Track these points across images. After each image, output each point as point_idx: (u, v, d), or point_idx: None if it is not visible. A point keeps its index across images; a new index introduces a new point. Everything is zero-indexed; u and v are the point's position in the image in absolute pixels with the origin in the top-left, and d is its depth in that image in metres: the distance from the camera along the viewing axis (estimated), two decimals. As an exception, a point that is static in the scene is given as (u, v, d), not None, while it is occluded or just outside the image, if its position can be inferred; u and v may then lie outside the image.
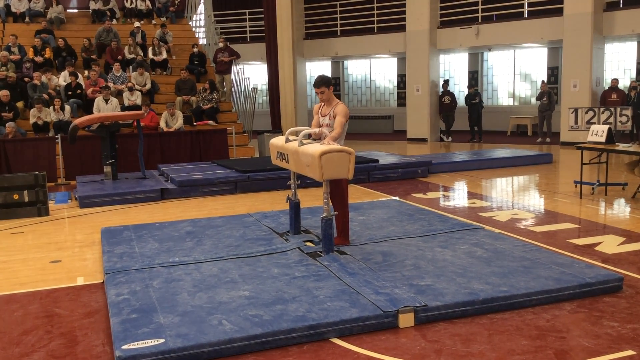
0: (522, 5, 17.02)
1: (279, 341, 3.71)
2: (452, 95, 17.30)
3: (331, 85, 5.64)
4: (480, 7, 17.13)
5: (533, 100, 18.12)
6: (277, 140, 5.98)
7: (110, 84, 13.64)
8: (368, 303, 4.08)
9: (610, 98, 14.32)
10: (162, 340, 3.59)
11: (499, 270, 4.73)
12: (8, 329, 4.14)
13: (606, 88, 15.10)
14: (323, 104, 5.71)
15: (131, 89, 13.57)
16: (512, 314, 4.11)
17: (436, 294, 4.24)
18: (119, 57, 14.87)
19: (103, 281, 5.01)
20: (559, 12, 15.23)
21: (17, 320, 4.32)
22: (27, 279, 5.34)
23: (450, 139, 17.16)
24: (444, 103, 17.16)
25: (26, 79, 13.49)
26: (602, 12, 14.76)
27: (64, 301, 4.69)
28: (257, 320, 3.85)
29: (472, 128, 17.04)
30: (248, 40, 21.40)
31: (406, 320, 3.95)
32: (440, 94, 17.43)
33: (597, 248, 5.74)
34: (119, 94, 13.58)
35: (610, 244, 5.86)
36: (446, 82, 17.57)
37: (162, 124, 12.79)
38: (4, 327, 4.18)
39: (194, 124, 13.49)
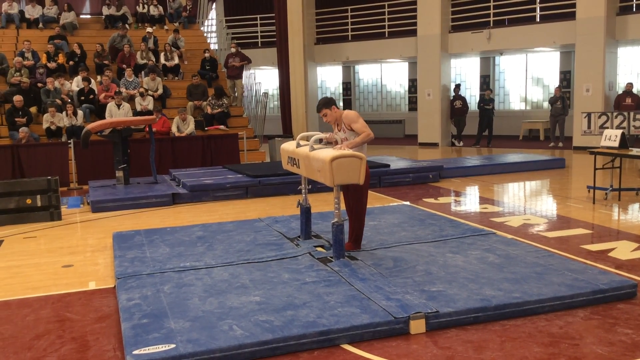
0: (534, 10, 16.94)
1: (289, 347, 3.70)
2: (463, 99, 17.23)
3: (333, 104, 5.53)
4: (491, 11, 17.08)
5: (545, 104, 18.02)
6: (288, 145, 5.98)
7: (123, 89, 13.73)
8: (379, 309, 4.06)
9: (624, 102, 14.20)
10: (173, 346, 3.59)
11: (511, 276, 4.70)
12: (20, 334, 4.16)
13: (620, 92, 14.99)
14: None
15: (143, 95, 13.65)
16: (525, 321, 4.07)
17: (448, 300, 4.21)
18: (131, 62, 14.95)
19: (114, 286, 5.02)
20: (571, 16, 15.15)
21: (29, 324, 4.34)
22: (39, 284, 5.37)
23: (461, 143, 17.08)
24: (456, 107, 17.10)
25: (39, 85, 13.60)
26: (614, 16, 14.66)
27: (75, 306, 4.71)
28: (268, 326, 3.84)
29: (480, 132, 16.94)
30: (259, 45, 21.49)
31: (417, 326, 3.92)
32: (452, 98, 17.38)
33: (610, 254, 5.68)
34: (131, 99, 13.66)
35: (623, 250, 5.80)
36: (457, 86, 17.50)
37: (174, 129, 12.84)
38: (16, 332, 4.20)
39: (205, 128, 13.54)
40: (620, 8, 14.89)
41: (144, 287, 4.73)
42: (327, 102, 5.52)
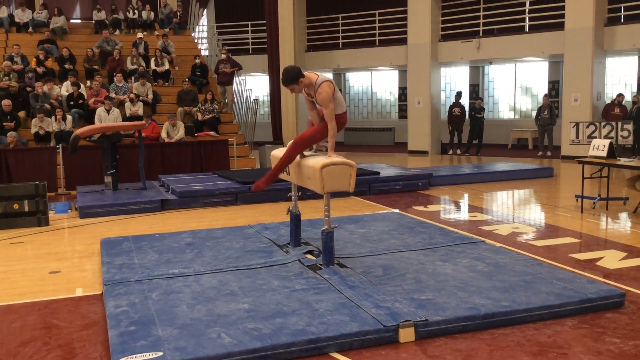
0: (523, 20, 17.10)
1: (278, 355, 3.68)
2: (462, 107, 17.26)
3: (300, 77, 5.09)
4: (481, 21, 17.21)
5: (534, 114, 18.16)
6: (279, 152, 5.97)
7: (113, 95, 13.68)
8: (368, 317, 4.06)
9: (613, 112, 14.34)
10: (160, 354, 3.56)
11: (500, 285, 4.71)
12: (6, 341, 4.11)
13: (607, 102, 15.12)
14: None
15: (133, 100, 13.60)
16: (514, 330, 4.08)
17: (437, 308, 4.21)
18: (118, 67, 14.89)
19: (102, 292, 4.98)
20: (560, 26, 15.29)
21: (15, 331, 4.29)
22: (26, 290, 5.31)
23: (458, 151, 17.10)
24: (454, 114, 17.16)
25: (28, 89, 13.52)
26: (603, 27, 14.82)
27: (62, 312, 4.67)
28: (257, 334, 3.82)
29: (470, 141, 17.03)
30: (250, 51, 21.50)
31: (407, 335, 3.92)
32: (451, 104, 17.46)
33: (598, 263, 5.71)
34: (120, 104, 13.61)
35: (611, 259, 5.83)
36: (458, 94, 17.49)
37: (164, 135, 12.80)
38: (1, 339, 4.15)
39: (195, 134, 13.50)
40: (609, 19, 15.05)
41: (132, 294, 4.69)
42: (295, 78, 5.07)
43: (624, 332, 4.01)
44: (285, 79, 5.14)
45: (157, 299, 4.58)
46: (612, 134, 11.34)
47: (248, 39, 21.80)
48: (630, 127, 11.55)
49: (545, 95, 16.41)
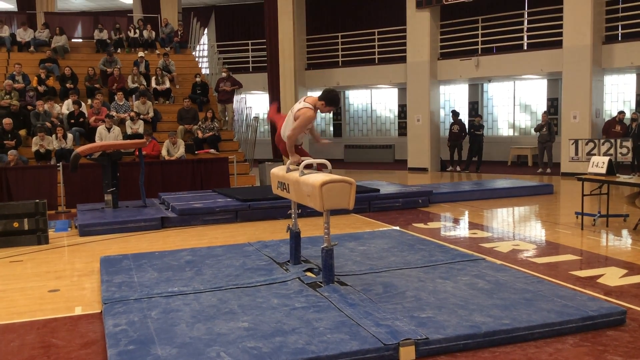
0: (521, 38, 17.22)
1: (278, 374, 3.66)
2: (462, 125, 17.31)
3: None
4: (480, 39, 17.34)
5: (533, 130, 18.24)
6: (278, 170, 5.98)
7: (113, 113, 13.73)
8: (368, 335, 4.04)
9: (613, 129, 14.38)
10: (159, 373, 3.54)
11: (500, 303, 4.69)
12: (4, 360, 4.10)
13: (606, 119, 15.16)
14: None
15: (133, 119, 13.65)
16: (515, 348, 4.06)
17: (437, 326, 4.19)
18: (119, 85, 14.96)
19: (101, 311, 4.96)
20: (558, 44, 15.41)
21: (13, 350, 4.26)
22: (25, 309, 5.29)
23: (458, 168, 17.14)
24: (453, 132, 17.21)
25: (29, 107, 13.58)
26: (601, 45, 14.92)
27: (61, 331, 4.64)
28: (256, 353, 3.80)
29: (469, 158, 17.07)
30: (250, 70, 21.64)
31: (407, 353, 3.89)
32: (451, 123, 17.53)
33: (599, 280, 5.69)
34: (121, 123, 13.66)
35: (612, 276, 5.81)
36: (453, 112, 17.56)
37: (164, 153, 12.83)
38: (0, 358, 4.13)
39: (196, 152, 13.53)
40: (606, 37, 15.16)
41: (131, 313, 4.67)
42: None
43: (625, 350, 3.99)
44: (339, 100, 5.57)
45: (157, 317, 4.56)
46: (611, 151, 11.36)
47: (248, 57, 21.96)
48: (629, 144, 11.58)
49: (545, 112, 16.47)
